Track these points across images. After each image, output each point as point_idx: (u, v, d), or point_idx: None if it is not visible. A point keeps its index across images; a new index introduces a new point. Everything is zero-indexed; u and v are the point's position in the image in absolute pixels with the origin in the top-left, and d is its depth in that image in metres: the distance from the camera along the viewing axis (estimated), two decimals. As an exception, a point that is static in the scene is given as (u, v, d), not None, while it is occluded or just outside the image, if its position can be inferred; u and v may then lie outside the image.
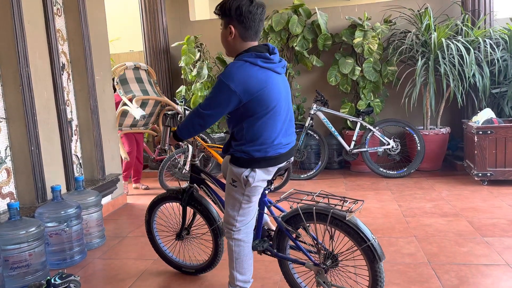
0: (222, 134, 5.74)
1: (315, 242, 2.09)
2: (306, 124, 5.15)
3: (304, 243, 2.18)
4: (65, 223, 2.96)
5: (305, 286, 2.28)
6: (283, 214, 2.19)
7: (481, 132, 4.35)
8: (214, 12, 1.97)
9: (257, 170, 1.95)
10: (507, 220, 3.35)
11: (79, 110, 3.98)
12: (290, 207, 2.13)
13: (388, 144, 5.06)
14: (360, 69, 5.29)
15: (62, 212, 2.95)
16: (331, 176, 5.32)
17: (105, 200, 4.15)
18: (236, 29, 1.89)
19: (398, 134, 5.35)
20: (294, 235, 2.15)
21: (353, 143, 5.16)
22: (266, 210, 2.25)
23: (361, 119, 5.15)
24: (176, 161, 4.99)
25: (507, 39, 4.93)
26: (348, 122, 5.47)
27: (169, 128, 2.24)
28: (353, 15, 5.57)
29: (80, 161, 3.99)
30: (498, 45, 4.94)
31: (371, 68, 5.24)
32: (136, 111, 4.45)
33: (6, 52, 3.02)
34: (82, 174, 3.98)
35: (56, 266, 2.96)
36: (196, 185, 2.56)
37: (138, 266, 2.93)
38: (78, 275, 2.58)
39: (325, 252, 2.08)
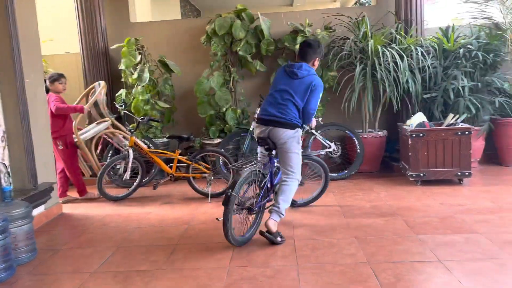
0: (165, 140, 5.61)
1: None
2: (251, 129, 5.16)
3: None
4: (-10, 238, 2.72)
5: None
6: None
7: (414, 135, 4.59)
8: None
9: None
10: (438, 218, 3.56)
11: (7, 115, 3.71)
12: None
13: (330, 147, 5.19)
14: (302, 74, 5.39)
15: (-14, 226, 2.71)
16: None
17: (38, 211, 3.89)
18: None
19: (339, 137, 5.51)
20: None
21: (296, 146, 5.23)
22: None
23: (304, 123, 5.24)
24: (117, 167, 4.80)
25: (436, 47, 5.26)
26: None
27: None
28: (295, 21, 5.68)
29: (9, 170, 3.70)
30: (429, 53, 5.25)
31: (336, 73, 5.37)
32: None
33: None
34: (10, 184, 3.69)
35: (-21, 285, 2.71)
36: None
37: (73, 280, 2.76)
38: (4, 294, 2.38)
39: None
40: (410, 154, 4.63)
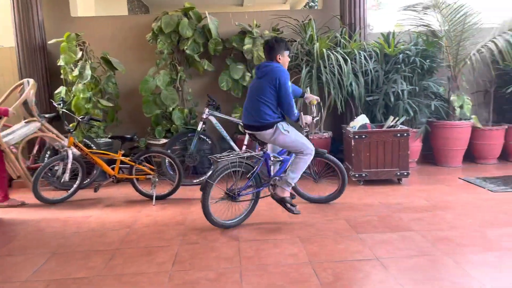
0: (109, 140, 5.40)
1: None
2: (199, 129, 5.10)
3: None
4: None
5: None
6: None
7: (357, 137, 4.74)
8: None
9: None
10: (378, 217, 3.69)
11: None
12: None
13: (277, 148, 5.23)
14: (250, 75, 5.41)
15: None
16: (225, 181, 5.31)
17: (-37, 217, 3.60)
18: None
19: (286, 138, 5.57)
20: None
21: (244, 147, 5.23)
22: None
23: (251, 123, 5.25)
24: (55, 169, 4.55)
25: (378, 52, 5.47)
26: (239, 127, 5.55)
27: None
28: (243, 21, 5.68)
29: None
30: (371, 57, 5.44)
31: (260, 74, 5.38)
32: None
33: None
34: None
35: None
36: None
37: (0, 291, 2.58)
38: None
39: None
40: (353, 155, 4.78)
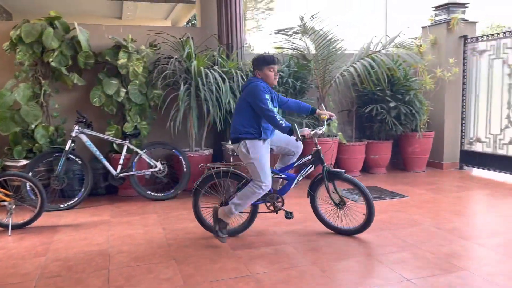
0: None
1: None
2: (67, 148, 4.67)
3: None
4: None
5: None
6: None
7: (235, 154, 4.80)
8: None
9: None
10: (255, 232, 3.76)
11: None
12: None
13: (156, 166, 5.07)
14: (125, 90, 5.16)
15: None
16: (97, 203, 4.94)
17: None
18: None
19: (165, 156, 5.42)
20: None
21: (120, 167, 4.95)
22: None
23: (127, 142, 5.01)
24: None
25: (255, 72, 5.69)
26: (114, 145, 5.23)
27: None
28: (118, 35, 5.40)
29: None
30: (248, 76, 5.63)
31: (136, 90, 5.18)
32: None
33: None
34: None
35: None
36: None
37: None
38: None
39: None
40: (231, 171, 4.83)
